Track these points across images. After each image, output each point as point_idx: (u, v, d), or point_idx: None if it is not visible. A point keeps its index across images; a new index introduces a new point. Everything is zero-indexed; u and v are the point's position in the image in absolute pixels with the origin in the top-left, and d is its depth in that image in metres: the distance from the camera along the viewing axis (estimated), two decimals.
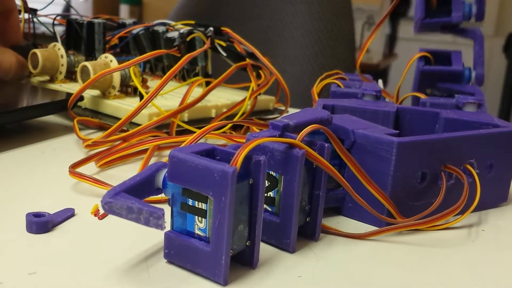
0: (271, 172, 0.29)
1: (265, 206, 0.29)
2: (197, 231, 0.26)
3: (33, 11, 0.59)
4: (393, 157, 0.31)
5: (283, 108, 0.57)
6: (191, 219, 0.26)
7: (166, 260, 0.27)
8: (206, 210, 0.25)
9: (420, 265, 0.29)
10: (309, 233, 0.31)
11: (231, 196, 0.24)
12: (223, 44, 0.56)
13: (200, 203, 0.25)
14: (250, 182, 0.26)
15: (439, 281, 0.28)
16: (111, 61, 0.49)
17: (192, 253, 0.26)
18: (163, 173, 0.27)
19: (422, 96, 0.44)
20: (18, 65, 0.55)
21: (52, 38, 0.56)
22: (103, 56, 0.50)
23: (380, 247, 0.31)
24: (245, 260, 0.27)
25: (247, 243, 0.27)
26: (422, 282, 0.27)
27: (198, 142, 0.35)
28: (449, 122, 0.39)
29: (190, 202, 0.26)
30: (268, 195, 0.29)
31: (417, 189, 0.33)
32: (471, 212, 0.33)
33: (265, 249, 0.29)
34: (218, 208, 0.24)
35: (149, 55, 0.47)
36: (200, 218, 0.26)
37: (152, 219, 0.24)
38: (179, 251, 0.26)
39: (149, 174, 0.27)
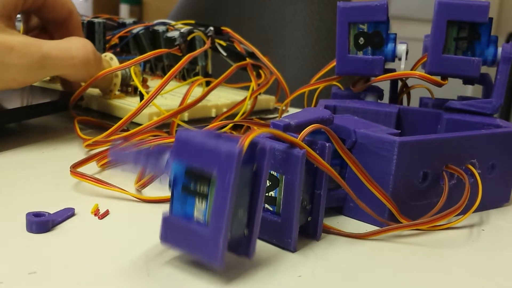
0: (272, 172, 0.29)
1: (266, 205, 0.29)
2: (196, 214, 0.26)
3: None
4: (394, 157, 0.31)
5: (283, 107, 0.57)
6: (191, 202, 0.26)
7: (162, 242, 0.26)
8: (207, 192, 0.25)
9: (421, 265, 0.29)
10: (310, 233, 0.31)
11: (236, 175, 0.24)
12: (223, 43, 0.56)
13: (202, 185, 0.25)
14: (254, 169, 0.26)
15: (439, 281, 0.27)
16: (111, 58, 0.49)
17: (190, 235, 0.25)
18: (166, 156, 0.27)
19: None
20: (96, 58, 0.44)
21: None
22: (103, 55, 0.50)
23: (381, 247, 0.30)
24: (242, 250, 0.27)
25: (245, 232, 0.26)
26: (423, 282, 0.27)
27: None
28: (451, 123, 0.39)
29: (192, 183, 0.25)
30: (269, 194, 0.29)
31: (419, 189, 0.33)
32: (473, 212, 0.33)
33: (266, 248, 0.29)
34: (221, 187, 0.24)
35: (150, 54, 0.46)
36: (200, 200, 0.25)
37: (159, 164, 0.24)
38: (177, 233, 0.26)
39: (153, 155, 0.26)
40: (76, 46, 0.43)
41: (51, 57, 0.42)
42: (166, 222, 0.26)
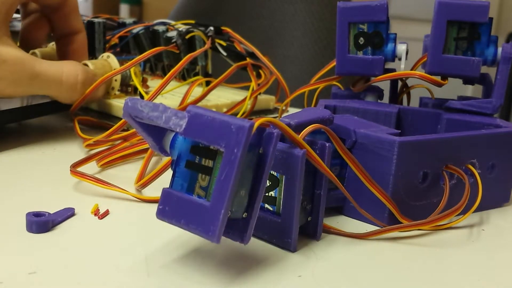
0: (272, 172, 0.29)
1: (266, 205, 0.29)
2: (197, 190, 0.25)
3: None
4: (394, 157, 0.31)
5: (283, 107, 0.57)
6: (193, 179, 0.25)
7: (158, 216, 0.26)
8: (212, 167, 0.25)
9: (421, 265, 0.29)
10: (310, 233, 0.31)
11: (244, 149, 0.23)
12: (224, 43, 0.56)
13: (207, 160, 0.25)
14: (260, 152, 0.26)
15: (439, 281, 0.27)
16: (108, 56, 0.49)
17: (189, 208, 0.25)
18: (170, 136, 0.27)
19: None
20: (86, 80, 0.45)
21: (52, 38, 0.56)
22: (105, 55, 0.50)
23: (381, 247, 0.30)
24: (238, 234, 0.26)
25: (244, 215, 0.26)
26: (423, 282, 0.27)
27: None
28: (451, 123, 0.39)
29: (197, 159, 0.25)
30: (269, 194, 0.29)
31: (419, 189, 0.33)
32: (473, 212, 0.33)
33: (266, 248, 0.29)
34: (227, 160, 0.24)
35: (148, 53, 0.46)
36: (203, 176, 0.25)
37: (175, 119, 0.24)
38: (175, 207, 0.25)
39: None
40: (67, 72, 0.44)
41: (40, 79, 0.42)
42: (165, 195, 0.26)
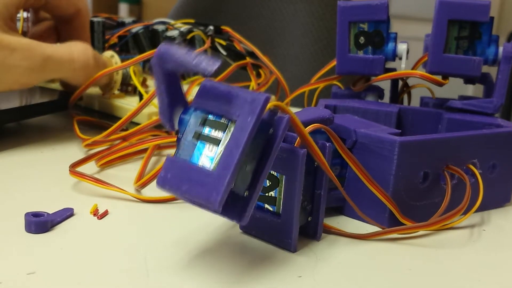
0: (272, 172, 0.29)
1: (266, 205, 0.29)
2: (202, 161, 0.25)
3: None
4: (395, 157, 0.31)
5: None
6: (199, 150, 0.25)
7: (158, 185, 0.25)
8: (220, 140, 0.25)
9: (422, 265, 0.29)
10: (310, 233, 0.30)
11: (257, 119, 0.23)
12: (223, 43, 0.56)
13: (217, 131, 0.25)
14: (270, 132, 0.26)
15: (440, 282, 0.27)
16: (112, 56, 0.49)
17: (193, 175, 0.24)
18: (178, 113, 0.27)
19: None
20: (96, 63, 0.45)
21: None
22: (104, 53, 0.50)
23: (381, 248, 0.30)
24: (236, 213, 0.26)
25: (245, 193, 0.26)
26: (423, 282, 0.27)
27: None
28: (452, 122, 0.39)
29: (207, 130, 0.25)
30: (269, 194, 0.29)
31: (419, 189, 0.33)
32: (474, 212, 0.33)
33: (266, 248, 0.29)
34: (240, 128, 0.24)
35: (151, 53, 0.46)
36: (211, 146, 0.25)
37: (206, 62, 0.24)
38: (178, 174, 0.25)
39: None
40: (77, 51, 0.44)
41: (53, 60, 0.42)
42: (169, 163, 0.25)
